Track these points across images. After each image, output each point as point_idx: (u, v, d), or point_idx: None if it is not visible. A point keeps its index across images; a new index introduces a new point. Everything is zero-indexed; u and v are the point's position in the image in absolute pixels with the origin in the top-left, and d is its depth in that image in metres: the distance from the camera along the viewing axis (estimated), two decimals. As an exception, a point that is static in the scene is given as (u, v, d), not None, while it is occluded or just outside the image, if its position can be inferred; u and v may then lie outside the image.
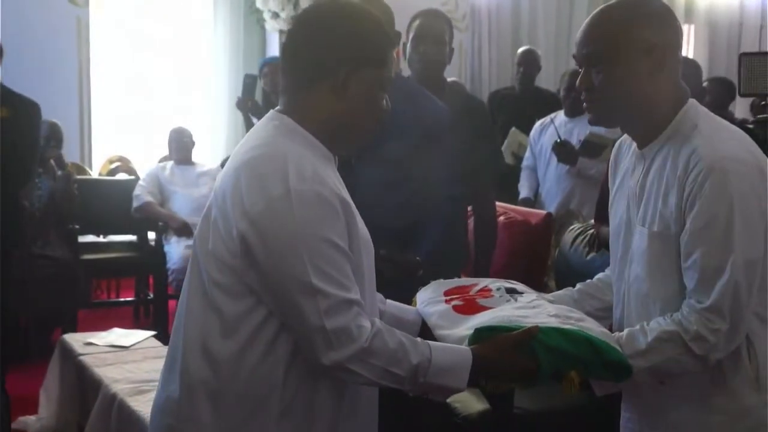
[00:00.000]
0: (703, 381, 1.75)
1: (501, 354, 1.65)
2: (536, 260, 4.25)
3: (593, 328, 1.76)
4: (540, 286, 4.30)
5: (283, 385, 1.60)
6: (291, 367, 1.60)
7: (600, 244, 3.58)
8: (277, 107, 1.70)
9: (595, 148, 4.82)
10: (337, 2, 1.72)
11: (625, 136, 1.94)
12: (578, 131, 4.93)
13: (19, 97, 4.22)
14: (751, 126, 3.84)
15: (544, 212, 4.46)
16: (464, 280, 2.11)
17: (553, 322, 1.73)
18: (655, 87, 1.75)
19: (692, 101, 1.80)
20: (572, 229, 4.22)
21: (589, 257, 3.89)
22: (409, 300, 2.07)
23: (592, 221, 3.82)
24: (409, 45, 3.29)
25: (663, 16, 1.77)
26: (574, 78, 5.55)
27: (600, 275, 2.09)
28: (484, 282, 2.00)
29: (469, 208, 3.43)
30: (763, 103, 3.18)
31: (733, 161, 1.66)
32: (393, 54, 1.71)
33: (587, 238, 3.93)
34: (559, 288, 4.24)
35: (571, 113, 5.03)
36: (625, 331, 1.76)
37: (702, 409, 1.77)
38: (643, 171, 1.81)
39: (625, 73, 1.73)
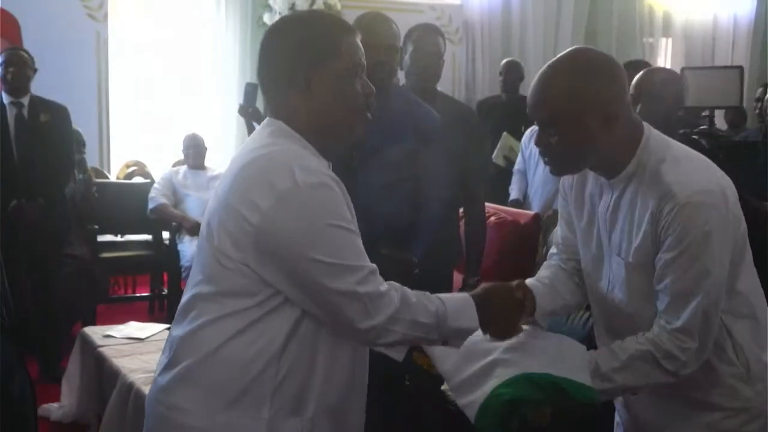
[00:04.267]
0: (700, 383, 1.75)
1: (491, 297, 1.74)
2: (525, 258, 4.25)
3: (567, 347, 1.80)
4: (528, 282, 4.31)
5: (278, 359, 1.56)
6: (290, 340, 1.56)
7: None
8: (269, 112, 1.70)
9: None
10: (294, 13, 1.75)
11: None
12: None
13: (52, 103, 4.38)
14: (695, 137, 3.82)
15: (532, 213, 4.46)
16: None
17: (520, 366, 1.75)
18: (610, 137, 1.70)
19: (647, 133, 1.75)
20: (557, 230, 4.22)
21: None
22: None
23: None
24: (407, 57, 3.29)
25: (607, 70, 1.71)
26: None
27: (548, 273, 2.04)
28: None
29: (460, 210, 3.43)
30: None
31: (702, 194, 1.65)
32: (351, 40, 1.66)
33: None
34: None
35: None
36: (601, 349, 1.78)
37: (703, 408, 1.77)
38: (611, 201, 1.78)
39: (579, 132, 1.69)
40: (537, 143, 1.78)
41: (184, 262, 5.32)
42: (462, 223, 3.41)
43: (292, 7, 6.86)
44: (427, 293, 1.66)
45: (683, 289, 1.67)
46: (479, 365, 1.78)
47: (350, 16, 3.11)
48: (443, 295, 1.67)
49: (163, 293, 5.68)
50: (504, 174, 5.33)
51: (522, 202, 5.11)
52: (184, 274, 5.32)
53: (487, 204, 3.54)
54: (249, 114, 5.52)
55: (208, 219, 1.62)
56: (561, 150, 1.73)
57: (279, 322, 1.56)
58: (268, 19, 6.92)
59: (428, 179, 2.87)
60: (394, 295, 1.58)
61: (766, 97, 3.09)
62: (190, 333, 1.59)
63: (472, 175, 3.30)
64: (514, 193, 5.18)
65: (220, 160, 6.66)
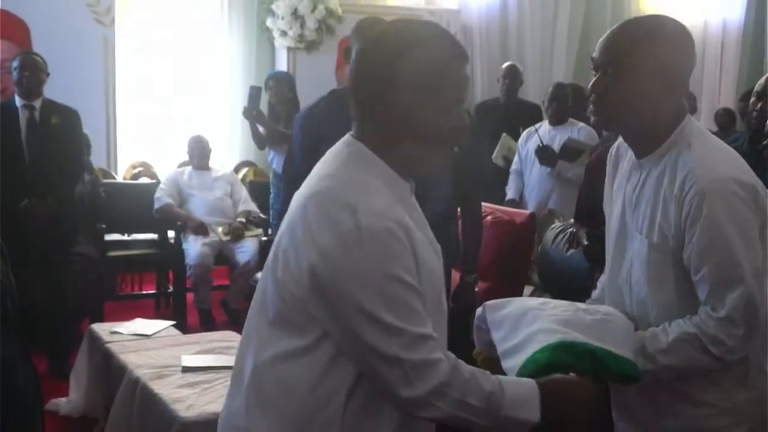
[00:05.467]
0: (695, 379, 1.73)
1: (563, 390, 1.54)
2: (521, 256, 4.26)
3: (614, 326, 1.74)
4: (524, 280, 4.32)
5: (342, 416, 1.43)
6: (351, 398, 1.44)
7: (578, 243, 3.58)
8: (353, 129, 1.53)
9: (573, 152, 4.85)
10: (406, 22, 1.52)
11: (621, 139, 1.89)
12: (559, 138, 4.99)
13: (63, 106, 4.41)
14: None
15: (528, 212, 4.48)
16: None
17: (560, 335, 1.68)
18: (661, 106, 1.69)
19: (689, 118, 1.75)
20: (553, 227, 4.24)
21: (568, 253, 3.91)
22: None
23: (572, 220, 3.83)
24: None
25: (681, 40, 1.70)
26: (557, 90, 5.65)
27: (598, 293, 2.02)
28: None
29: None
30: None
31: (726, 182, 1.63)
32: (463, 69, 1.49)
33: (567, 236, 3.94)
34: (541, 280, 4.28)
35: (554, 122, 5.11)
36: (649, 330, 1.73)
37: (693, 405, 1.76)
38: (639, 180, 1.77)
39: (636, 87, 1.66)
40: (591, 87, 1.73)
41: (189, 260, 5.33)
42: (459, 222, 3.42)
43: (295, 12, 6.87)
44: (488, 372, 1.48)
45: (720, 279, 1.64)
46: (525, 333, 1.72)
47: (351, 22, 3.12)
48: (506, 379, 1.50)
49: (169, 291, 5.69)
50: (502, 174, 5.35)
51: (518, 202, 5.12)
52: (188, 272, 5.35)
53: (483, 204, 3.55)
54: (253, 116, 5.57)
55: (277, 241, 1.49)
56: (612, 99, 1.68)
57: (346, 367, 1.43)
58: (271, 23, 6.93)
59: (426, 179, 2.88)
60: (444, 366, 1.41)
61: (751, 102, 3.09)
62: (263, 366, 1.47)
63: (470, 175, 3.31)
64: (510, 192, 5.20)
65: (225, 161, 6.67)
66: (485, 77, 7.77)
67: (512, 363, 1.69)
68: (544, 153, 4.90)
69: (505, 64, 6.21)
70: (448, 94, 1.47)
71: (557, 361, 1.63)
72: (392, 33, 1.48)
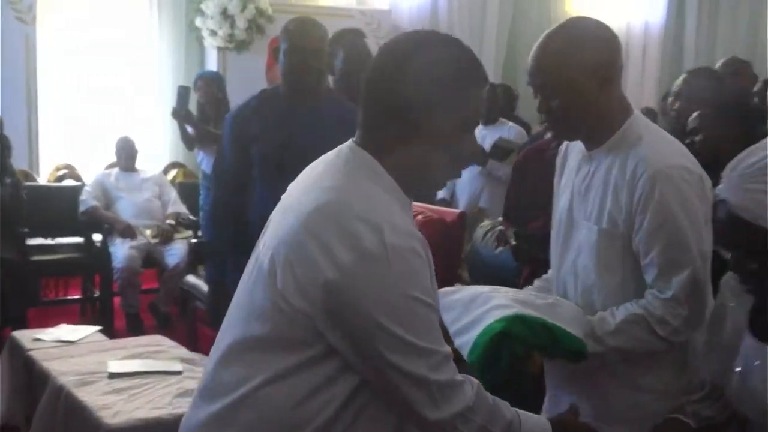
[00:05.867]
0: (636, 363, 1.78)
1: (573, 428, 1.59)
2: (451, 254, 4.27)
3: (563, 310, 1.78)
4: (454, 278, 4.34)
5: (330, 426, 1.37)
6: (345, 407, 1.37)
7: (507, 241, 3.62)
8: (356, 137, 1.47)
9: (503, 151, 4.91)
10: (427, 36, 1.47)
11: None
12: (490, 138, 5.05)
13: None
14: None
15: (458, 211, 4.50)
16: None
17: (516, 309, 1.73)
18: (604, 101, 1.77)
19: (637, 113, 1.83)
20: (482, 225, 4.28)
21: (497, 251, 3.94)
22: None
23: (501, 219, 3.87)
24: (338, 61, 3.29)
25: (603, 36, 1.78)
26: (488, 92, 5.70)
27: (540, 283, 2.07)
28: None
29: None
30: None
31: (677, 169, 1.70)
32: (481, 91, 1.45)
33: (496, 234, 3.98)
34: (471, 278, 4.31)
35: (485, 122, 5.16)
36: (597, 314, 1.78)
37: (631, 388, 1.80)
38: (589, 172, 1.83)
39: (576, 96, 1.74)
40: (539, 110, 1.80)
41: (116, 263, 5.22)
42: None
43: (224, 11, 6.77)
44: (505, 402, 1.47)
45: (669, 261, 1.70)
46: (479, 311, 1.76)
47: (281, 21, 3.09)
48: (522, 412, 1.49)
49: (95, 296, 5.54)
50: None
51: (449, 201, 5.15)
52: (115, 276, 5.23)
53: (414, 203, 3.56)
54: (181, 117, 5.47)
55: (270, 251, 1.39)
56: (562, 113, 1.76)
57: (334, 389, 1.36)
58: (201, 23, 6.81)
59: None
60: (468, 389, 1.39)
61: (668, 101, 3.19)
62: (246, 394, 1.38)
63: None
64: (441, 192, 5.23)
65: (153, 162, 6.53)
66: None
67: (466, 338, 1.73)
68: (474, 152, 4.96)
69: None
70: (468, 115, 1.43)
71: (513, 330, 1.67)
72: (417, 46, 1.43)
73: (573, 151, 1.94)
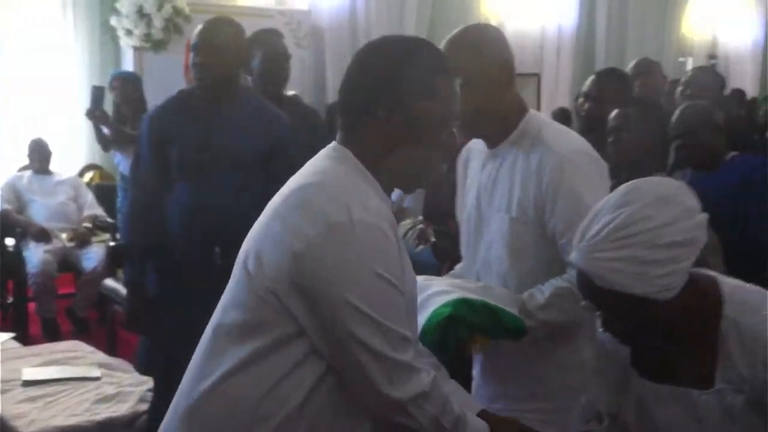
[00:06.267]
0: (552, 337, 1.86)
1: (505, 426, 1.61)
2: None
3: (495, 292, 1.85)
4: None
5: (298, 412, 1.38)
6: (313, 392, 1.38)
7: (427, 239, 3.68)
8: (337, 138, 1.50)
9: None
10: (396, 36, 1.56)
11: (471, 141, 2.05)
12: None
13: None
14: None
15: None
16: None
17: (457, 293, 1.79)
18: (507, 97, 1.88)
19: (532, 111, 1.93)
20: (404, 224, 4.32)
21: (418, 249, 3.99)
22: None
23: (421, 218, 3.92)
24: (256, 62, 3.27)
25: (501, 37, 1.93)
26: None
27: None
28: None
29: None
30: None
31: (579, 154, 1.82)
32: (452, 83, 1.49)
33: (417, 233, 4.03)
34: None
35: None
36: (525, 292, 1.85)
37: (546, 362, 1.89)
38: (494, 168, 1.92)
39: (487, 90, 1.83)
40: None
41: (30, 268, 5.07)
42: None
43: (140, 10, 6.64)
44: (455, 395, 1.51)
45: None
46: (419, 299, 1.76)
47: (199, 21, 3.05)
48: (467, 411, 1.52)
49: (9, 301, 5.36)
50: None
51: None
52: (30, 281, 5.08)
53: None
54: (96, 117, 5.35)
55: (246, 246, 1.44)
56: (473, 110, 1.80)
57: (301, 374, 1.37)
58: (116, 22, 6.66)
59: (280, 181, 2.88)
60: (425, 377, 1.40)
61: (579, 102, 3.29)
62: (216, 383, 1.40)
63: None
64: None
65: (68, 164, 6.36)
66: (336, 79, 7.79)
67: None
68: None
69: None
70: (444, 110, 1.46)
71: (460, 314, 1.72)
72: (392, 46, 1.49)
73: (474, 152, 2.03)
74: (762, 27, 8.86)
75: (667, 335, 1.50)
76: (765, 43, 8.86)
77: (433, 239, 3.30)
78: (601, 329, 1.56)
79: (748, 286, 1.55)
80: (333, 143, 1.50)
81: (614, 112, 2.75)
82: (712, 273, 1.56)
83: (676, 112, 3.02)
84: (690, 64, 8.39)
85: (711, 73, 4.00)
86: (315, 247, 1.33)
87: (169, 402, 1.51)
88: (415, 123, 1.43)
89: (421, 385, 1.39)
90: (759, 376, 1.44)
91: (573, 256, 1.46)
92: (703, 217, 1.46)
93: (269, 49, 3.30)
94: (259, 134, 2.84)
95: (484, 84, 1.82)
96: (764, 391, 1.44)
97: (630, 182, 1.50)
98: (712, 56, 8.38)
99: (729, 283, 1.53)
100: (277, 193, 1.49)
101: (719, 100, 3.87)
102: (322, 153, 1.50)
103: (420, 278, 1.88)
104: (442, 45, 1.84)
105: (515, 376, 1.94)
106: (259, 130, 2.85)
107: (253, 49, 3.28)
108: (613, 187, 1.57)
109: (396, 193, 5.24)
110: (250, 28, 3.11)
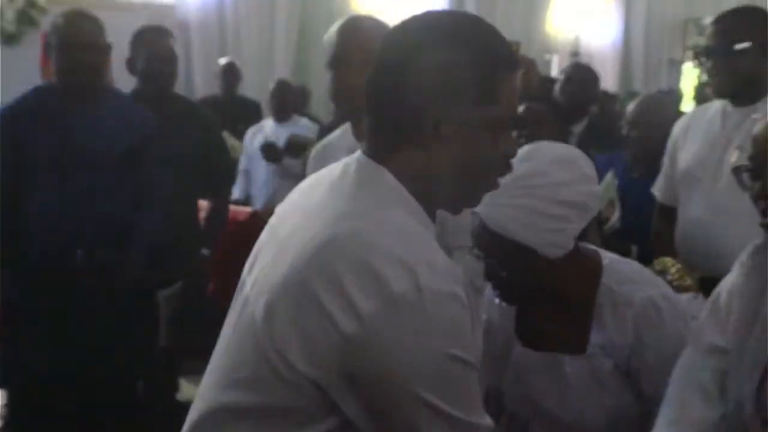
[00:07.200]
0: None
1: None
2: (242, 254, 4.27)
3: None
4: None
5: None
6: None
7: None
8: (366, 150, 1.18)
9: (297, 147, 4.94)
10: (436, 16, 1.23)
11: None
12: (284, 134, 5.09)
13: None
14: None
15: (249, 210, 4.54)
16: None
17: None
18: None
19: None
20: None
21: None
22: None
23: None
24: (141, 61, 3.23)
25: (382, 29, 1.97)
26: (280, 87, 5.80)
27: None
28: None
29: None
30: None
31: None
32: (513, 80, 1.17)
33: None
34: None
35: (279, 119, 5.26)
36: None
37: None
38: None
39: (357, 81, 1.87)
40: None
41: None
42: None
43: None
44: None
45: None
46: None
47: (54, 13, 2.90)
48: None
49: None
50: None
51: (243, 201, 5.12)
52: None
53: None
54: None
55: (265, 296, 1.11)
56: (339, 93, 1.96)
57: None
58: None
59: (150, 183, 2.87)
60: None
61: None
62: None
63: (215, 171, 3.41)
64: (236, 193, 5.16)
65: None
66: (203, 73, 7.65)
67: None
68: (268, 150, 4.98)
69: (222, 60, 6.21)
70: (505, 115, 1.16)
71: None
72: (437, 32, 1.16)
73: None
74: (621, 27, 9.31)
75: (548, 298, 1.59)
76: (623, 43, 9.31)
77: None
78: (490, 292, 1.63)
79: (626, 259, 1.71)
80: (360, 156, 1.17)
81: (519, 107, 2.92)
82: (594, 246, 1.67)
83: None
84: (555, 62, 8.71)
85: (587, 70, 4.20)
86: (373, 328, 1.03)
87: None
88: (471, 134, 1.13)
89: None
90: (627, 342, 1.56)
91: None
92: (598, 189, 1.60)
93: (157, 49, 3.23)
94: (122, 134, 2.81)
95: (354, 73, 1.84)
96: (629, 357, 1.56)
97: (535, 143, 1.60)
98: (576, 54, 8.72)
99: (609, 256, 1.65)
100: (289, 211, 1.22)
101: (596, 95, 4.10)
102: (349, 171, 1.16)
103: None
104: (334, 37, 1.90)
105: None
106: (122, 129, 2.82)
107: (136, 48, 3.21)
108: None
109: (269, 194, 5.22)
110: (111, 22, 2.97)
